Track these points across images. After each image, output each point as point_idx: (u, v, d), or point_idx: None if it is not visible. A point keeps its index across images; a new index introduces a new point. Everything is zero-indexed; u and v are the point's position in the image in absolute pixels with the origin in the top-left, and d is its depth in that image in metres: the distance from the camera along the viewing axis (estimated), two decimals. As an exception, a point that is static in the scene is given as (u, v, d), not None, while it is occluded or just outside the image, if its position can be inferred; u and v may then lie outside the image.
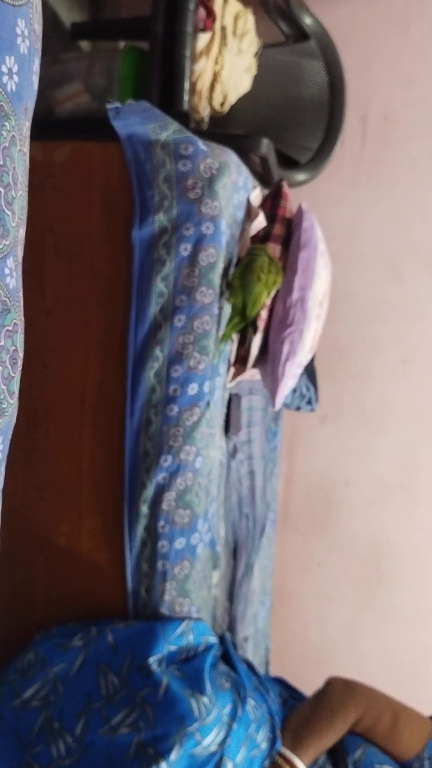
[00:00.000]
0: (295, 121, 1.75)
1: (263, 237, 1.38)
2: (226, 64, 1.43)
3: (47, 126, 1.41)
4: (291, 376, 1.39)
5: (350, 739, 1.21)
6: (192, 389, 1.21)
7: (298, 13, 1.69)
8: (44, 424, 1.27)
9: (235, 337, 1.38)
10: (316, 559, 2.17)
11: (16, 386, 0.60)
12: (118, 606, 1.25)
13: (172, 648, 1.16)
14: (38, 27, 0.60)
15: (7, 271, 0.57)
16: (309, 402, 1.83)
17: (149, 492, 1.21)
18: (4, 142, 0.54)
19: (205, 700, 1.07)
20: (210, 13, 1.37)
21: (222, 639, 1.31)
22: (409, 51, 1.93)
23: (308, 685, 1.37)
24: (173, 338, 1.20)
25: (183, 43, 1.33)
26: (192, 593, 1.25)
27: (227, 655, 1.27)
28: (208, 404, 1.23)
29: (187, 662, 1.17)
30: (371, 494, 2.11)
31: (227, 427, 1.43)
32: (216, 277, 1.20)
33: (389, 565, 2.12)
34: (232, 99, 1.53)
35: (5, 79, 0.54)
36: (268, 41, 1.66)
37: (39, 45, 0.61)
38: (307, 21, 1.70)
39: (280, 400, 1.41)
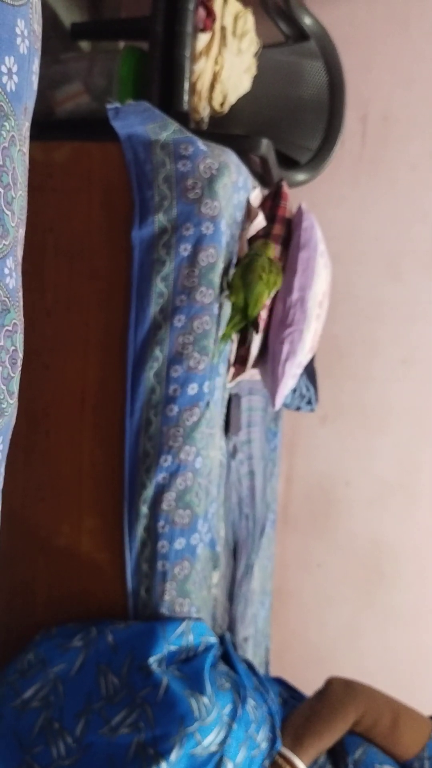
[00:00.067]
0: (295, 121, 1.75)
1: (263, 237, 1.38)
2: (226, 64, 1.43)
3: (47, 126, 1.41)
4: (291, 376, 1.39)
5: (350, 739, 1.21)
6: (192, 389, 1.21)
7: (298, 13, 1.69)
8: (44, 424, 1.27)
9: (235, 337, 1.38)
10: (316, 560, 2.17)
11: (15, 386, 0.60)
12: (118, 606, 1.25)
13: (172, 648, 1.16)
14: (38, 27, 0.60)
15: (6, 271, 0.57)
16: (309, 402, 1.83)
17: (149, 492, 1.21)
18: (3, 142, 0.54)
19: (205, 700, 1.07)
20: (210, 14, 1.37)
21: (222, 639, 1.31)
22: (409, 51, 1.93)
23: (308, 685, 1.37)
24: (173, 338, 1.20)
25: (183, 43, 1.33)
26: (192, 593, 1.25)
27: (227, 655, 1.27)
28: (207, 404, 1.23)
29: (187, 662, 1.17)
30: (371, 494, 2.11)
31: (227, 428, 1.43)
32: (216, 277, 1.20)
33: (389, 565, 2.12)
34: (232, 99, 1.53)
35: (5, 79, 0.54)
36: (267, 41, 1.66)
37: (39, 45, 0.61)
38: (307, 21, 1.70)
39: (279, 400, 1.41)
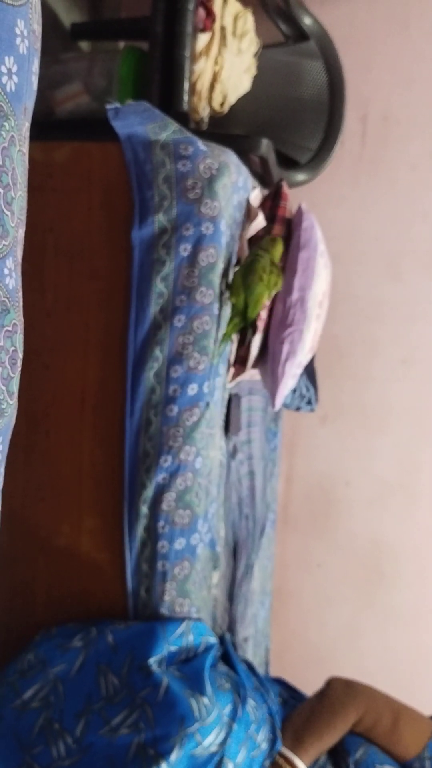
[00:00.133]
0: (295, 121, 1.75)
1: (263, 237, 1.38)
2: (226, 64, 1.43)
3: (47, 126, 1.41)
4: (291, 377, 1.39)
5: (351, 739, 1.21)
6: (192, 389, 1.21)
7: (298, 13, 1.69)
8: (44, 425, 1.27)
9: (235, 337, 1.38)
10: (316, 560, 2.17)
11: (15, 387, 0.60)
12: (118, 606, 1.25)
13: (172, 648, 1.16)
14: (37, 27, 0.60)
15: (6, 271, 0.57)
16: (309, 402, 1.83)
17: (149, 492, 1.21)
18: (3, 143, 0.54)
19: (205, 700, 1.07)
20: (210, 14, 1.36)
21: (222, 639, 1.31)
22: (409, 51, 1.93)
23: (308, 685, 1.37)
24: (173, 338, 1.20)
25: (183, 43, 1.33)
26: (192, 593, 1.25)
27: (227, 655, 1.27)
28: (207, 404, 1.23)
29: (187, 663, 1.17)
30: (371, 494, 2.11)
31: (227, 428, 1.43)
32: (216, 278, 1.20)
33: (389, 566, 2.11)
34: (232, 99, 1.53)
35: (4, 79, 0.54)
36: (267, 41, 1.66)
37: (38, 45, 0.61)
38: (307, 21, 1.70)
39: (279, 401, 1.41)
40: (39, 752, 1.05)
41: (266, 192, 1.48)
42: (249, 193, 1.35)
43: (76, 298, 1.24)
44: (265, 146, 1.37)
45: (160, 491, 1.22)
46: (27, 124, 0.61)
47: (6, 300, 0.57)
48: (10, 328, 0.57)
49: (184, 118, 1.34)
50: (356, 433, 2.10)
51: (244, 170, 1.31)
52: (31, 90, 0.60)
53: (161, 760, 0.99)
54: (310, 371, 1.78)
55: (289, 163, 1.75)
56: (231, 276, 1.26)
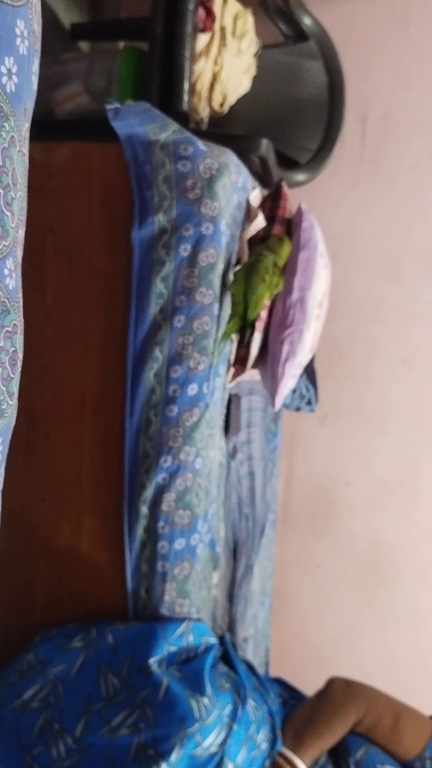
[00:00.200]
0: (295, 121, 1.75)
1: (263, 238, 1.38)
2: (226, 64, 1.43)
3: (47, 127, 1.41)
4: (291, 377, 1.39)
5: (352, 739, 1.21)
6: (192, 390, 1.21)
7: (298, 13, 1.69)
8: (44, 425, 1.27)
9: (235, 337, 1.38)
10: (316, 560, 2.17)
11: (15, 387, 0.60)
12: (118, 607, 1.25)
13: (172, 649, 1.16)
14: (37, 27, 0.60)
15: (6, 272, 0.57)
16: (309, 402, 1.83)
17: (149, 493, 1.21)
18: (3, 143, 0.54)
19: (205, 701, 1.07)
20: (209, 14, 1.36)
21: (222, 640, 1.31)
22: (409, 51, 1.93)
23: (308, 685, 1.37)
24: (173, 339, 1.20)
25: (182, 43, 1.33)
26: (192, 594, 1.25)
27: (227, 655, 1.27)
28: (207, 405, 1.23)
29: (187, 663, 1.17)
30: (371, 494, 2.11)
31: (227, 428, 1.43)
32: (216, 278, 1.20)
33: (389, 566, 2.11)
34: (232, 99, 1.53)
35: (4, 79, 0.54)
36: (267, 42, 1.66)
37: (38, 45, 0.61)
38: (307, 21, 1.70)
39: (279, 401, 1.41)
40: (39, 753, 1.05)
41: (266, 192, 1.48)
42: (249, 194, 1.35)
43: (76, 298, 1.24)
44: (265, 146, 1.37)
45: (160, 492, 1.22)
46: (27, 125, 0.61)
47: (6, 300, 0.57)
48: (10, 329, 0.57)
49: (183, 119, 1.34)
50: (356, 433, 2.10)
51: (244, 170, 1.31)
52: (31, 90, 0.60)
53: (161, 761, 0.99)
54: (309, 371, 1.78)
55: (288, 163, 1.75)
56: (231, 276, 1.26)
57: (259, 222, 1.35)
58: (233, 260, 1.29)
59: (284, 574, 2.14)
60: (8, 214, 0.56)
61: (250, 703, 1.15)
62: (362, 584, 2.14)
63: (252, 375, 1.48)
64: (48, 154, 1.22)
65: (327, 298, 1.47)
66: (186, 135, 1.18)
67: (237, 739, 1.08)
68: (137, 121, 1.17)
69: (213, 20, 1.37)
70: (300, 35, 1.72)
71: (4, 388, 0.57)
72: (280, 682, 1.41)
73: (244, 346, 1.38)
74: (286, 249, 1.26)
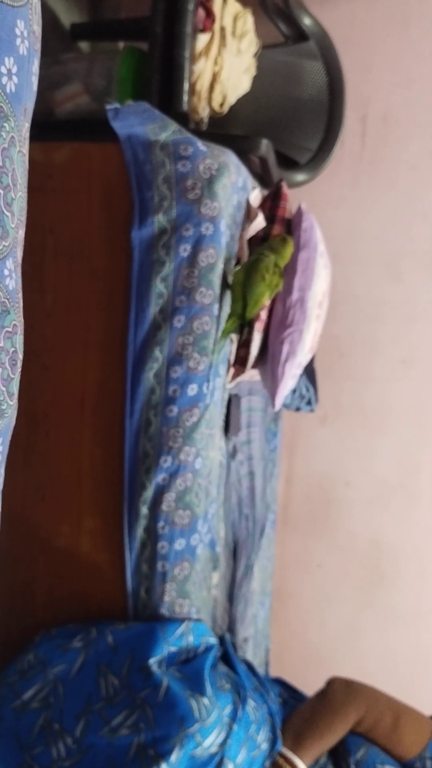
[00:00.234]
0: (295, 121, 1.75)
1: (262, 238, 1.38)
2: (226, 64, 1.43)
3: (47, 127, 1.41)
4: (290, 377, 1.39)
5: (352, 739, 1.21)
6: (191, 390, 1.21)
7: (298, 13, 1.69)
8: (44, 425, 1.27)
9: (235, 337, 1.38)
10: (316, 560, 2.17)
11: (15, 387, 0.60)
12: (118, 607, 1.25)
13: (172, 649, 1.16)
14: (37, 28, 0.60)
15: (6, 272, 0.57)
16: (309, 402, 1.83)
17: (149, 493, 1.21)
18: (3, 143, 0.54)
19: (205, 701, 1.07)
20: (209, 14, 1.36)
21: (222, 640, 1.31)
22: (409, 51, 1.93)
23: (308, 685, 1.37)
24: (173, 339, 1.20)
25: (182, 43, 1.33)
26: (192, 594, 1.25)
27: (227, 656, 1.27)
28: (207, 405, 1.23)
29: (187, 663, 1.17)
30: (371, 494, 2.11)
31: (227, 428, 1.43)
32: (215, 278, 1.20)
33: (389, 566, 2.11)
34: (232, 99, 1.53)
35: (4, 80, 0.54)
36: (267, 42, 1.66)
37: (38, 46, 0.61)
38: (307, 22, 1.70)
39: (279, 401, 1.41)
40: (39, 753, 1.05)
41: (266, 192, 1.48)
42: (249, 194, 1.35)
43: (76, 298, 1.24)
44: (265, 146, 1.37)
45: (160, 492, 1.22)
46: (27, 125, 0.61)
47: (6, 301, 0.57)
48: (10, 329, 0.57)
49: (183, 119, 1.34)
50: (356, 433, 2.10)
51: (244, 171, 1.31)
52: (31, 91, 0.60)
53: (161, 761, 0.99)
54: (309, 371, 1.78)
55: (288, 163, 1.75)
56: (231, 275, 1.26)
57: (259, 222, 1.35)
58: (233, 260, 1.29)
59: (284, 574, 2.14)
60: (8, 214, 0.56)
61: (250, 704, 1.15)
62: (362, 584, 2.14)
63: (252, 375, 1.48)
64: (48, 154, 1.22)
65: (327, 298, 1.47)
66: (186, 135, 1.18)
67: (237, 740, 1.08)
68: (137, 122, 1.17)
69: (213, 20, 1.37)
70: (300, 35, 1.72)
71: (4, 389, 0.57)
72: (280, 682, 1.41)
73: (243, 346, 1.38)
74: (288, 250, 1.26)
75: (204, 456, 1.24)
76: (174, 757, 1.00)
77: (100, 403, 1.24)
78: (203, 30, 1.37)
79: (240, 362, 1.39)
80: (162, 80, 1.36)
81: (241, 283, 1.22)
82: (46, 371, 1.26)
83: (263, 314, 1.37)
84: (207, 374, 1.21)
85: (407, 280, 2.01)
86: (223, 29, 1.41)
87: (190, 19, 1.33)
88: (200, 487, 1.24)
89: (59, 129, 1.43)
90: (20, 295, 0.60)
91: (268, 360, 1.39)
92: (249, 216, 1.35)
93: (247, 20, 1.48)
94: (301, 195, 1.71)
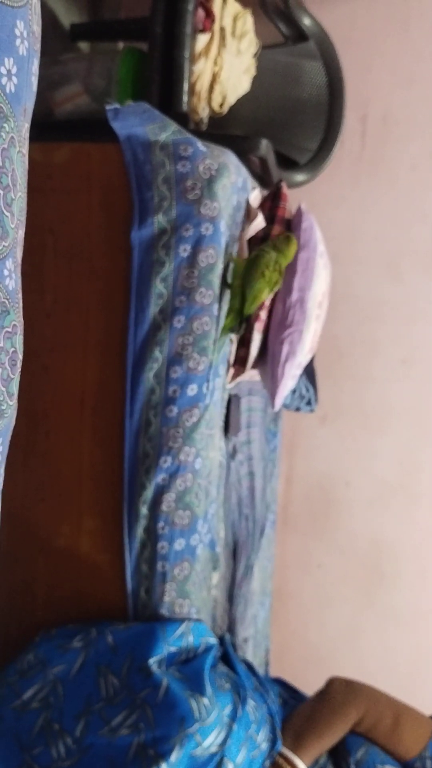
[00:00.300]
0: (295, 121, 1.75)
1: (262, 238, 1.38)
2: (225, 65, 1.43)
3: (46, 127, 1.41)
4: (290, 377, 1.39)
5: (352, 739, 1.21)
6: (191, 390, 1.21)
7: (297, 14, 1.69)
8: (44, 425, 1.27)
9: (235, 338, 1.38)
10: (316, 560, 2.17)
11: (15, 388, 0.60)
12: (118, 607, 1.25)
13: (172, 649, 1.16)
14: (37, 28, 0.60)
15: (6, 272, 0.57)
16: (308, 402, 1.83)
17: (149, 493, 1.21)
18: (3, 144, 0.54)
19: (205, 701, 1.07)
20: (209, 14, 1.37)
21: (222, 640, 1.31)
22: (409, 51, 1.93)
23: (308, 685, 1.37)
24: (173, 339, 1.20)
25: (182, 44, 1.33)
26: (192, 594, 1.25)
27: (227, 656, 1.27)
28: (207, 405, 1.23)
29: (187, 663, 1.17)
30: (371, 495, 2.11)
31: (227, 428, 1.43)
32: (215, 278, 1.20)
33: (389, 566, 2.11)
34: (231, 100, 1.53)
35: (4, 80, 0.54)
36: (267, 42, 1.66)
37: (38, 46, 0.61)
38: (306, 22, 1.70)
39: (279, 401, 1.41)
40: (39, 753, 1.05)
41: (266, 192, 1.48)
42: (248, 194, 1.35)
43: (76, 299, 1.24)
44: (265, 147, 1.37)
45: (160, 492, 1.22)
46: (26, 125, 0.61)
47: (6, 301, 0.57)
48: (9, 330, 0.57)
49: (183, 119, 1.34)
50: (356, 433, 2.10)
51: (244, 171, 1.32)
52: (31, 91, 0.60)
53: (161, 761, 0.99)
54: (309, 372, 1.78)
55: (288, 163, 1.75)
56: (231, 274, 1.26)
57: (259, 222, 1.35)
58: (233, 261, 1.29)
59: (284, 574, 2.14)
60: (8, 214, 0.56)
61: (250, 703, 1.15)
62: (362, 584, 2.14)
63: (252, 375, 1.49)
64: (48, 154, 1.22)
65: (327, 298, 1.47)
66: (186, 135, 1.18)
67: (237, 739, 1.08)
68: (137, 122, 1.17)
69: (212, 21, 1.37)
70: (299, 35, 1.72)
71: (3, 389, 0.57)
72: (280, 682, 1.41)
73: (243, 346, 1.38)
74: (292, 249, 1.26)
75: (204, 456, 1.24)
76: (174, 756, 1.00)
77: (100, 404, 1.24)
78: (203, 30, 1.37)
79: (240, 362, 1.39)
80: (162, 80, 1.36)
81: (240, 279, 1.22)
82: (46, 371, 1.26)
83: (263, 314, 1.37)
84: (207, 374, 1.21)
85: (407, 281, 2.01)
86: (222, 29, 1.41)
87: (190, 20, 1.33)
88: (200, 487, 1.24)
89: (59, 129, 1.43)
90: (20, 295, 0.60)
91: (268, 360, 1.39)
92: (249, 216, 1.35)
93: (247, 20, 1.48)
94: (300, 195, 1.71)
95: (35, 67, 0.61)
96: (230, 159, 1.22)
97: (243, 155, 1.34)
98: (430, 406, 2.04)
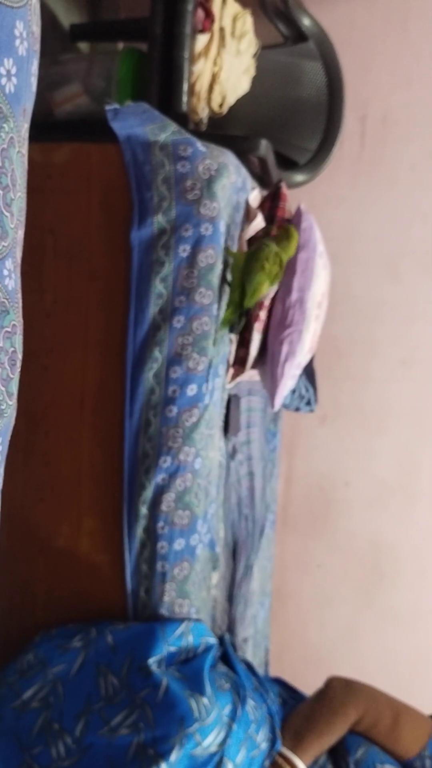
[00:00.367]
0: (294, 122, 1.75)
1: (262, 238, 1.38)
2: (225, 65, 1.43)
3: (46, 127, 1.41)
4: (290, 377, 1.39)
5: (352, 738, 1.21)
6: (191, 390, 1.21)
7: (297, 14, 1.69)
8: (43, 426, 1.27)
9: (234, 338, 1.38)
10: (316, 560, 2.17)
11: (15, 387, 0.60)
12: (118, 607, 1.25)
13: (172, 649, 1.16)
14: (36, 28, 0.60)
15: (5, 272, 0.57)
16: (308, 403, 1.83)
17: (148, 493, 1.21)
18: (2, 144, 0.54)
19: (204, 700, 1.07)
20: (208, 15, 1.37)
21: (221, 640, 1.31)
22: (408, 52, 1.93)
23: (308, 685, 1.37)
24: (172, 339, 1.20)
25: (182, 44, 1.33)
26: (191, 594, 1.25)
27: (226, 656, 1.27)
28: (207, 405, 1.23)
29: (187, 663, 1.17)
30: (371, 495, 2.11)
31: (226, 428, 1.43)
32: (215, 278, 1.20)
33: (388, 566, 2.12)
34: (231, 100, 1.53)
35: (4, 80, 0.54)
36: (266, 42, 1.66)
37: (37, 46, 0.61)
38: (306, 22, 1.71)
39: (279, 401, 1.41)
40: (39, 752, 1.06)
41: (265, 193, 1.48)
42: (248, 194, 1.35)
43: (76, 299, 1.24)
44: (264, 147, 1.38)
45: (160, 492, 1.22)
46: (26, 126, 0.61)
47: (5, 301, 0.57)
48: (9, 329, 0.58)
49: (183, 119, 1.34)
50: (356, 433, 2.10)
51: (243, 171, 1.32)
52: (30, 91, 0.60)
53: (161, 761, 0.99)
54: (309, 372, 1.78)
55: (288, 163, 1.76)
56: (230, 268, 1.26)
57: (258, 223, 1.35)
58: (231, 260, 1.29)
59: (284, 574, 2.14)
60: (7, 214, 0.56)
61: (250, 703, 1.15)
62: (362, 584, 2.14)
63: (251, 375, 1.49)
64: (47, 154, 1.22)
65: (326, 298, 1.47)
66: (185, 136, 1.18)
67: (236, 739, 1.08)
68: (136, 122, 1.17)
69: (212, 21, 1.37)
70: (299, 36, 1.72)
71: (3, 389, 0.58)
72: (280, 682, 1.41)
73: (243, 346, 1.38)
74: (293, 242, 1.25)
75: (203, 456, 1.24)
76: (173, 756, 1.00)
77: (100, 404, 1.24)
78: (202, 31, 1.37)
79: (239, 362, 1.39)
80: (161, 81, 1.36)
81: (240, 272, 1.22)
82: (46, 371, 1.26)
83: (262, 314, 1.37)
84: (206, 374, 1.21)
85: (406, 281, 2.01)
86: (222, 30, 1.42)
87: (190, 20, 1.33)
88: (200, 487, 1.25)
89: (58, 129, 1.43)
90: (19, 295, 0.60)
91: (268, 360, 1.39)
92: (248, 216, 1.35)
93: (247, 21, 1.48)
94: (300, 195, 1.71)
95: (35, 68, 0.61)
96: (230, 159, 1.22)
97: (242, 155, 1.34)
98: (429, 407, 2.04)
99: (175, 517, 1.22)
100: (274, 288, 1.35)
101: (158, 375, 1.20)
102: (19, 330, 0.60)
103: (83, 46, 1.87)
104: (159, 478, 1.21)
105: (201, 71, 1.39)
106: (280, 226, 1.40)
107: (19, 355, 0.61)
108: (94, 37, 1.82)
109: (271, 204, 1.41)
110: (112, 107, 1.17)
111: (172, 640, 1.17)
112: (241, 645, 1.62)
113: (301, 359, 1.39)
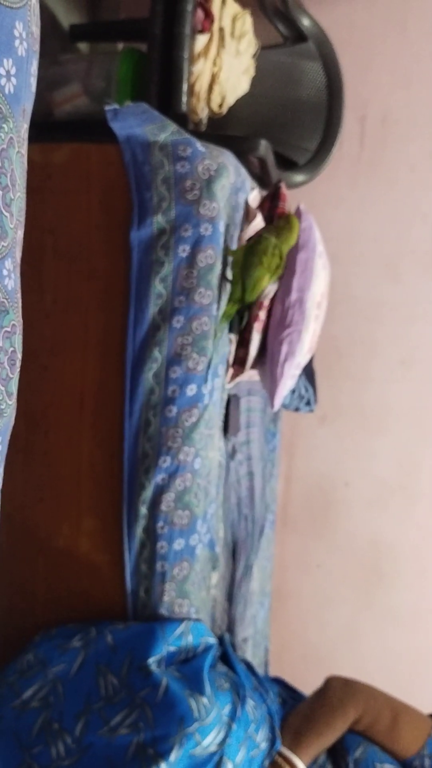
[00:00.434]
0: (294, 122, 1.76)
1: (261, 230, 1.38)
2: (225, 65, 1.43)
3: (45, 128, 1.41)
4: (289, 377, 1.39)
5: (351, 737, 1.22)
6: (191, 390, 1.21)
7: (296, 14, 1.69)
8: (43, 426, 1.27)
9: (234, 338, 1.38)
10: (316, 560, 2.17)
11: (14, 387, 0.60)
12: (118, 607, 1.25)
13: (172, 649, 1.16)
14: (36, 29, 0.60)
15: (5, 272, 0.57)
16: (308, 403, 1.83)
17: (148, 493, 1.22)
18: (2, 144, 0.55)
19: (204, 700, 1.07)
20: (208, 15, 1.37)
21: (221, 640, 1.31)
22: (408, 52, 1.94)
23: (307, 685, 1.37)
24: (172, 339, 1.20)
25: (181, 44, 1.33)
26: (191, 594, 1.25)
27: (226, 655, 1.27)
28: (206, 405, 1.23)
29: (187, 663, 1.17)
30: (370, 495, 2.11)
31: (226, 428, 1.43)
32: (214, 279, 1.20)
33: (388, 566, 2.12)
34: (231, 100, 1.53)
35: (3, 81, 0.54)
36: (266, 43, 1.67)
37: (37, 47, 0.61)
38: (305, 22, 1.71)
39: (278, 401, 1.41)
40: (38, 752, 1.06)
41: (265, 193, 1.48)
42: (248, 194, 1.35)
43: (75, 299, 1.24)
44: (264, 147, 1.38)
45: (159, 492, 1.22)
46: (26, 126, 0.61)
47: (5, 301, 0.57)
48: (9, 329, 0.58)
49: (182, 120, 1.34)
50: (355, 433, 2.10)
51: (243, 171, 1.32)
52: (30, 92, 0.60)
53: (160, 760, 0.99)
54: (308, 372, 1.78)
55: (287, 164, 1.76)
56: (230, 266, 1.26)
57: (258, 223, 1.35)
58: (231, 260, 1.29)
59: (284, 574, 2.14)
60: (7, 215, 0.56)
61: (250, 703, 1.15)
62: (362, 584, 2.14)
63: (251, 375, 1.49)
64: (47, 155, 1.22)
65: (326, 298, 1.48)
66: (185, 136, 1.18)
67: (236, 739, 1.08)
68: (136, 122, 1.17)
69: (212, 21, 1.38)
70: (299, 36, 1.72)
71: (3, 388, 0.58)
72: (279, 682, 1.41)
73: (242, 346, 1.39)
74: (294, 232, 1.25)
75: (203, 456, 1.24)
76: (173, 756, 1.00)
77: (100, 404, 1.24)
78: (202, 31, 1.37)
79: (239, 363, 1.39)
80: (161, 81, 1.36)
81: (239, 267, 1.22)
82: (45, 371, 1.26)
83: (262, 314, 1.37)
84: (206, 374, 1.21)
85: (406, 281, 2.01)
86: (221, 30, 1.42)
87: (189, 20, 1.33)
88: (199, 487, 1.25)
89: (58, 130, 1.43)
90: (19, 295, 0.61)
91: (267, 360, 1.39)
92: (248, 217, 1.35)
93: (246, 21, 1.48)
94: (299, 196, 1.71)
95: (34, 68, 0.61)
96: (229, 159, 1.22)
97: (242, 156, 1.35)
98: (429, 407, 2.04)
99: (174, 517, 1.23)
100: (275, 285, 1.35)
101: (158, 375, 1.20)
102: (19, 330, 0.60)
103: (83, 46, 1.87)
104: (159, 478, 1.21)
105: (200, 71, 1.39)
106: (281, 216, 1.40)
107: (19, 355, 0.61)
108: (93, 37, 1.82)
109: (271, 204, 1.41)
110: (111, 107, 1.17)
111: (172, 640, 1.17)
112: (240, 645, 1.62)
113: (300, 359, 1.39)
